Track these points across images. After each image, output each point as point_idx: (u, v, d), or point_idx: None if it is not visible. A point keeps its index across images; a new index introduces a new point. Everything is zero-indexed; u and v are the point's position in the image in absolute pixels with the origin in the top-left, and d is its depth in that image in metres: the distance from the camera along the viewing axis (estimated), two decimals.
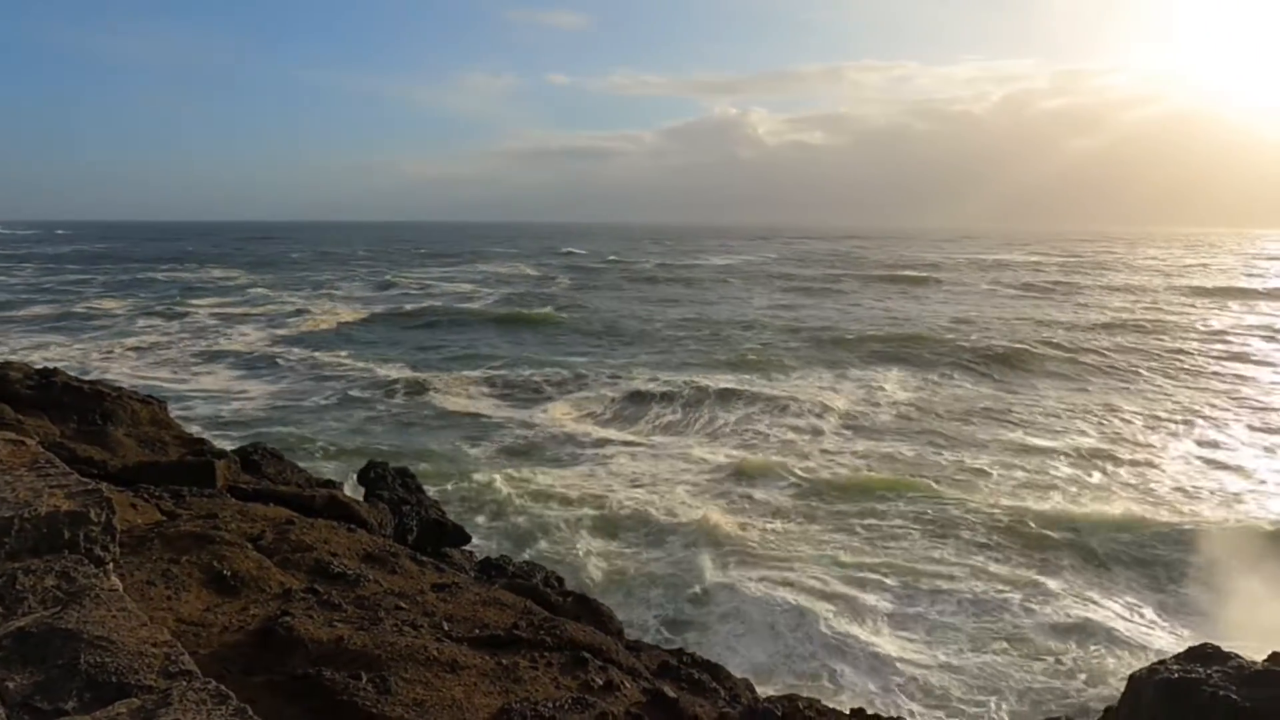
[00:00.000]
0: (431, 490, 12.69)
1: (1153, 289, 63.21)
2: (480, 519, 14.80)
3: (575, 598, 7.67)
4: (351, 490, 10.78)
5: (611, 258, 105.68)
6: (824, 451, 19.33)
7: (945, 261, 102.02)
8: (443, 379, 27.93)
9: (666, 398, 24.14)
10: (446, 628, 4.69)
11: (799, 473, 17.26)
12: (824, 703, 4.81)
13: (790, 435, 20.64)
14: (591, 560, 13.17)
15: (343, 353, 33.14)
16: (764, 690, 7.31)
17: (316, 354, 32.92)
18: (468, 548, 11.15)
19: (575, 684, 4.24)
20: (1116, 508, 15.79)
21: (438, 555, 8.99)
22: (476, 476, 17.04)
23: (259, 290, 59.34)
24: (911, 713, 9.30)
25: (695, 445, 19.86)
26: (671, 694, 4.30)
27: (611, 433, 20.93)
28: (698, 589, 12.10)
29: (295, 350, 33.78)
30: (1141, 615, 11.91)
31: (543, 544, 13.89)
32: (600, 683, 4.29)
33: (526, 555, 12.53)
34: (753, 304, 52.95)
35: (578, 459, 18.66)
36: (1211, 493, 17.05)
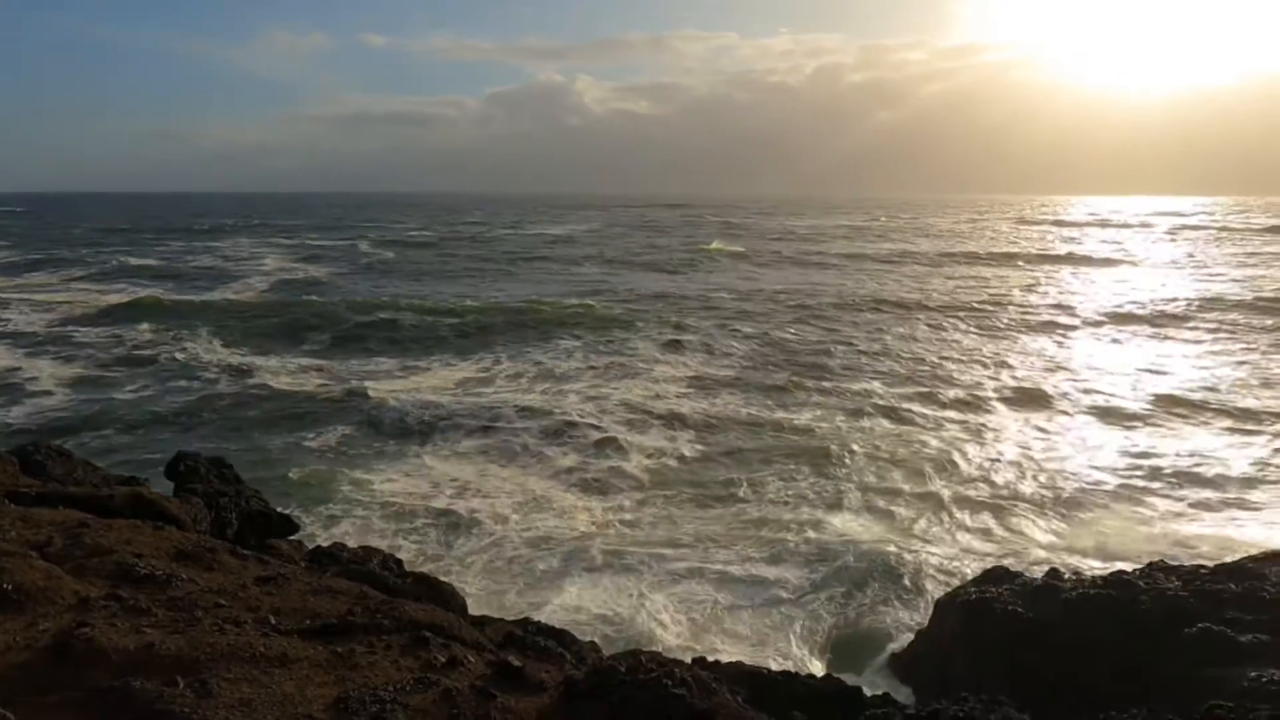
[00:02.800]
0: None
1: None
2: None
3: (415, 578, 7.48)
4: (162, 487, 9.89)
5: (425, 231, 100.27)
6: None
7: (751, 226, 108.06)
8: (261, 364, 26.17)
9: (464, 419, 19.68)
10: (274, 621, 4.43)
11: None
12: (665, 654, 4.99)
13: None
14: None
15: (123, 336, 30.20)
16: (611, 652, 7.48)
17: (106, 338, 29.83)
18: (297, 537, 10.56)
19: (417, 664, 4.14)
20: None
21: (263, 548, 8.45)
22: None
23: (30, 272, 52.67)
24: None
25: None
26: (517, 663, 4.29)
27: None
28: None
29: (77, 335, 30.43)
30: None
31: None
32: (443, 660, 4.21)
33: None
34: (578, 279, 51.64)
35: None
36: None
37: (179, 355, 27.17)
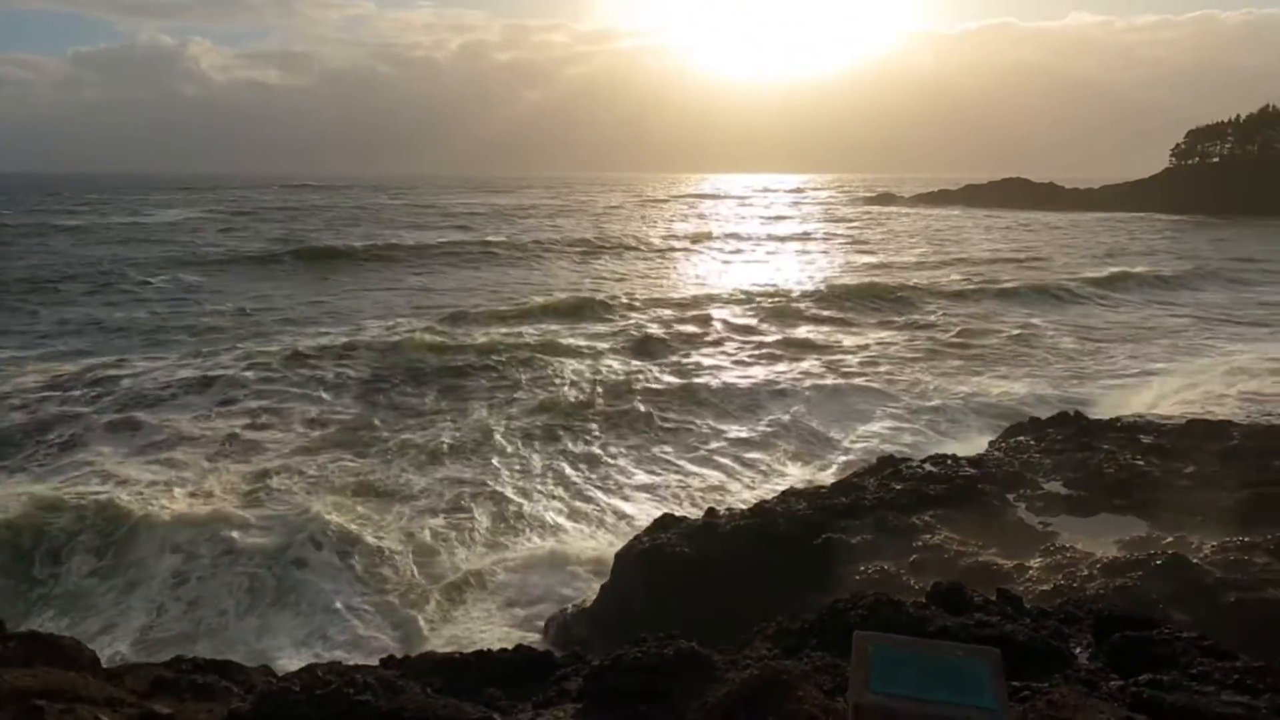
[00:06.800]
0: None
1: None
2: None
3: (22, 639, 6.17)
4: None
5: None
6: None
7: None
8: None
9: None
10: None
11: None
12: (345, 662, 4.69)
13: None
14: None
15: None
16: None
17: None
18: None
19: None
20: None
21: None
22: None
23: None
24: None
25: None
26: (166, 711, 3.75)
27: None
28: None
29: None
30: None
31: None
32: None
33: None
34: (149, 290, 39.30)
35: None
36: None
37: None
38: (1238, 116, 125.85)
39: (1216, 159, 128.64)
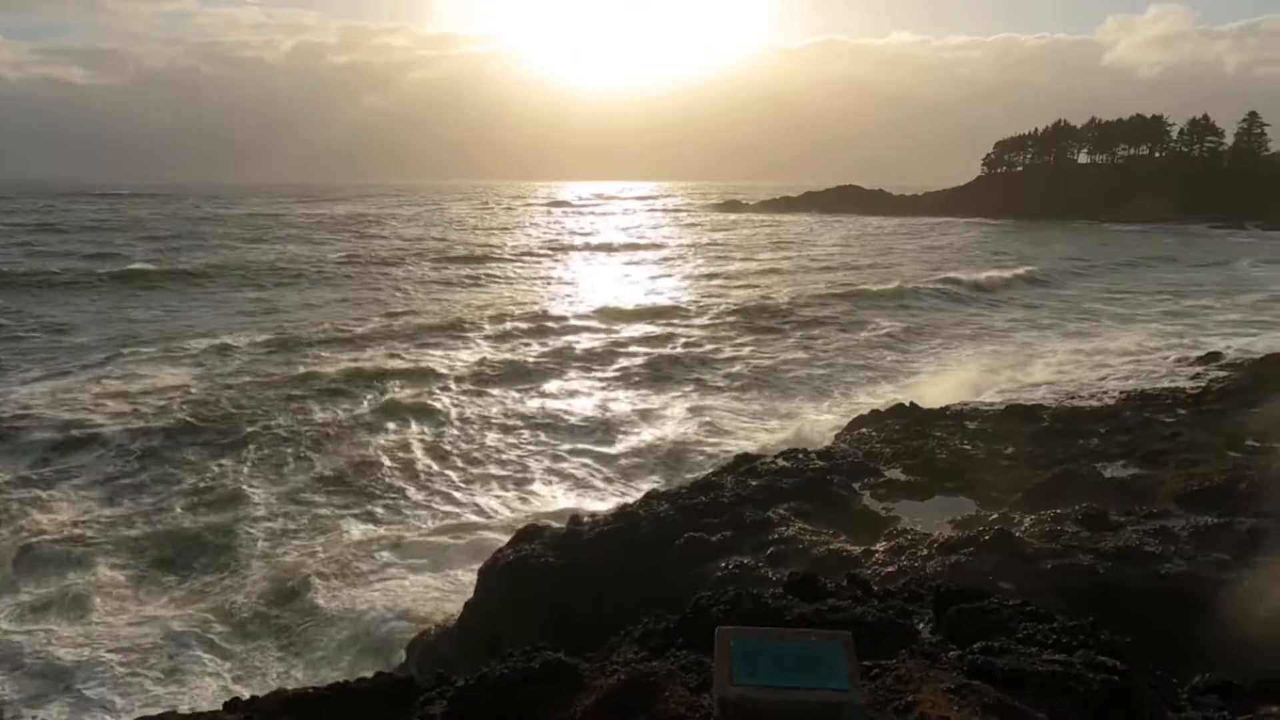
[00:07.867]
0: None
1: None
2: None
3: None
4: None
5: None
6: None
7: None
8: None
9: None
10: None
11: None
12: (180, 710, 4.32)
13: None
14: None
15: None
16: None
17: None
18: None
19: None
20: None
21: None
22: None
23: None
24: None
25: None
26: None
27: None
28: None
29: None
30: None
31: None
32: None
33: None
34: None
35: None
36: None
37: None
38: (1036, 129, 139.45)
39: (1020, 167, 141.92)
